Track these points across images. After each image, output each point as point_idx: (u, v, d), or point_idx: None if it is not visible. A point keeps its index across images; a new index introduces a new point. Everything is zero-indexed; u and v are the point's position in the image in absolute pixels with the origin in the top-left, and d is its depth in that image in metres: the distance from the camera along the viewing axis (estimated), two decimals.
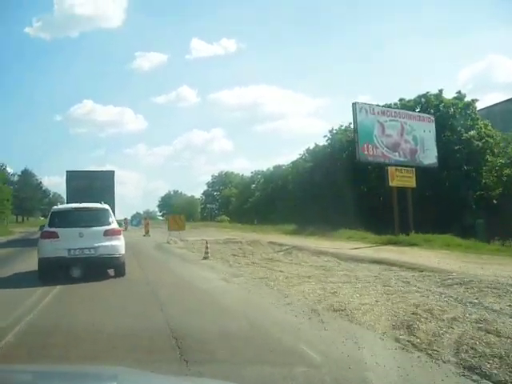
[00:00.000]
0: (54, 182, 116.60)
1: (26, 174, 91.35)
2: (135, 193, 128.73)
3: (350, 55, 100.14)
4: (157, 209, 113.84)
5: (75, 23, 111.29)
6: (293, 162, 49.44)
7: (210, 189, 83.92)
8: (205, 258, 15.04)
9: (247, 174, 71.66)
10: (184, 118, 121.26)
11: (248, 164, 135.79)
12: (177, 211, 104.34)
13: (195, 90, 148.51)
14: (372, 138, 20.35)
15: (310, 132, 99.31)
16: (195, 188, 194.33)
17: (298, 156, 48.04)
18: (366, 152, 20.18)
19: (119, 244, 11.10)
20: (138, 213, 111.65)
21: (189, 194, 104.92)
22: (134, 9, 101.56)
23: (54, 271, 10.37)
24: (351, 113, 20.11)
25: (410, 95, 31.29)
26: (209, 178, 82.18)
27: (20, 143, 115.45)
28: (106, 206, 11.86)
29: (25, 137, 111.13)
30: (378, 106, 22.32)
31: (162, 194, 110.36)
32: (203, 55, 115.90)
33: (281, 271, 11.27)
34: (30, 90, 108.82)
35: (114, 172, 28.14)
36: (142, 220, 33.78)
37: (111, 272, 11.20)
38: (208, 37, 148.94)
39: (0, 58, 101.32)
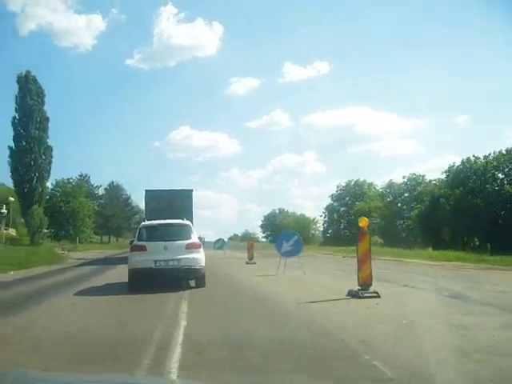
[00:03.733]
0: None
1: (113, 188, 78.20)
2: (229, 215, 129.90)
3: (445, 76, 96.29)
4: (259, 230, 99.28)
5: (172, 53, 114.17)
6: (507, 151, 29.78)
7: (336, 203, 64.09)
8: None
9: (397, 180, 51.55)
10: (277, 142, 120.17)
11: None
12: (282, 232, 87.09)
13: (288, 114, 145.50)
14: None
15: (405, 153, 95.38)
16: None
17: None
18: None
19: (200, 257, 11.63)
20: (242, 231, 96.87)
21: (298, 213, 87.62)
22: (228, 36, 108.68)
23: (142, 281, 11.19)
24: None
25: None
26: (302, 203, 67.47)
27: (119, 169, 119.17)
28: (188, 222, 12.74)
29: (124, 162, 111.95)
30: None
31: (257, 216, 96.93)
32: (296, 78, 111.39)
33: None
34: (130, 118, 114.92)
35: (192, 191, 27.11)
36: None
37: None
38: (301, 60, 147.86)
39: (104, 89, 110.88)
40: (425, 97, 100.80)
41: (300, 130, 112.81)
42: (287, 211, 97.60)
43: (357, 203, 57.19)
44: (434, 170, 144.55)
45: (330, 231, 62.46)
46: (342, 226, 61.47)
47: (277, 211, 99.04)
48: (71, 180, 64.96)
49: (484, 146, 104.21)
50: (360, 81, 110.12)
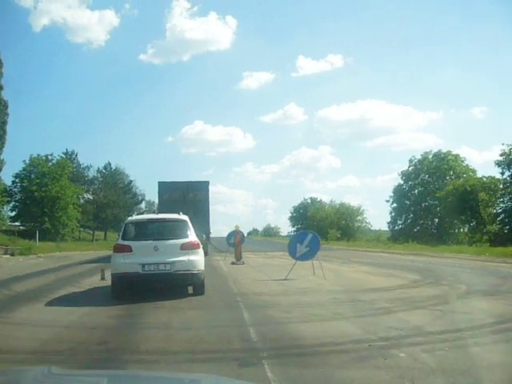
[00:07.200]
0: None
1: (110, 172, 62.05)
2: (244, 210, 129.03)
3: (460, 67, 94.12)
4: (284, 224, 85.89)
5: (186, 47, 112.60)
6: None
7: (408, 183, 47.16)
8: None
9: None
10: (291, 136, 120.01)
11: (356, 180, 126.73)
12: (319, 225, 70.95)
13: (302, 108, 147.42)
14: None
15: (420, 147, 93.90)
16: None
17: None
18: None
19: (198, 259, 10.04)
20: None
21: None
22: (241, 30, 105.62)
23: (127, 288, 9.80)
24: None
25: None
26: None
27: (132, 164, 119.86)
28: (184, 217, 10.67)
29: (137, 158, 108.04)
30: None
31: (272, 211, 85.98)
32: (310, 72, 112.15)
33: None
34: (143, 113, 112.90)
35: (208, 182, 26.55)
36: None
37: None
38: (314, 53, 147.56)
39: (117, 84, 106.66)
40: (440, 89, 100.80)
41: (314, 124, 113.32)
42: (320, 200, 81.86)
43: (446, 180, 40.76)
44: None
45: (399, 223, 46.07)
46: (412, 216, 45.06)
47: (308, 201, 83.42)
48: (51, 158, 49.00)
49: (502, 138, 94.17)
50: (374, 74, 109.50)
